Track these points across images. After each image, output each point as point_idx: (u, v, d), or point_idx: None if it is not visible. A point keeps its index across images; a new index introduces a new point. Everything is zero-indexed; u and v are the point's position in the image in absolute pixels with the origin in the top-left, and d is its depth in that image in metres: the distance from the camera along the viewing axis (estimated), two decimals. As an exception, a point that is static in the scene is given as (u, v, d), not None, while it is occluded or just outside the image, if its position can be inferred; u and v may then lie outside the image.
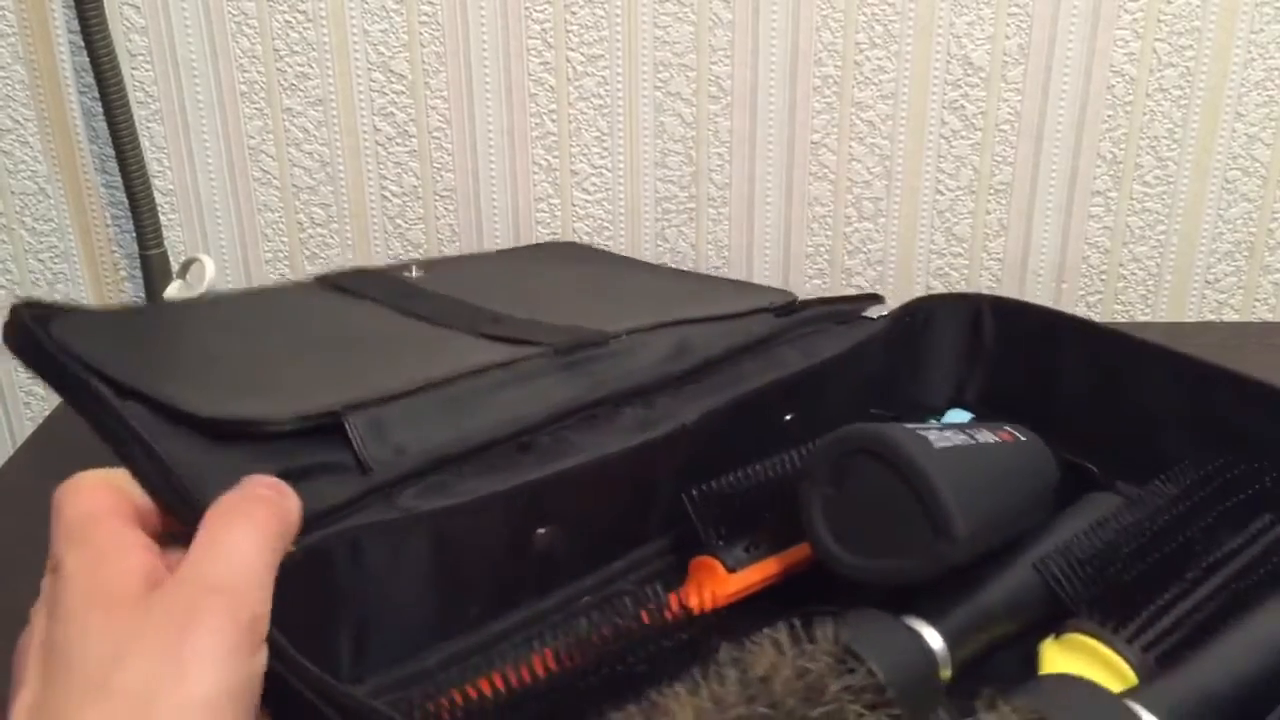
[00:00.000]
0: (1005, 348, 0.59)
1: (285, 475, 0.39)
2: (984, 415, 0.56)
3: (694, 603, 0.42)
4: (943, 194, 0.75)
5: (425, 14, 0.72)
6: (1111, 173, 0.74)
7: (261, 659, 0.34)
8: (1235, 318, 0.78)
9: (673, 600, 0.42)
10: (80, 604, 0.34)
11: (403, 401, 0.45)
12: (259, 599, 0.34)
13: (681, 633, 0.41)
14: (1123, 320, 0.78)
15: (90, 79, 0.72)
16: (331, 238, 0.78)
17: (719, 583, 0.46)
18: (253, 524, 0.36)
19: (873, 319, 0.59)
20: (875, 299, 0.60)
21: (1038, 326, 0.57)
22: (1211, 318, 0.78)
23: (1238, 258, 0.76)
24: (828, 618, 0.39)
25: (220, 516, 0.36)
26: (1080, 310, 0.78)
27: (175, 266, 0.76)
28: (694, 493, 0.47)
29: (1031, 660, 0.43)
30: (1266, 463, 0.50)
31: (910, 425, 0.46)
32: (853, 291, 0.76)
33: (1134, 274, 0.77)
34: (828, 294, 0.70)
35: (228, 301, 0.58)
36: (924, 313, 0.59)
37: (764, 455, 0.49)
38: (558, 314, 0.56)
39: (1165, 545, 0.46)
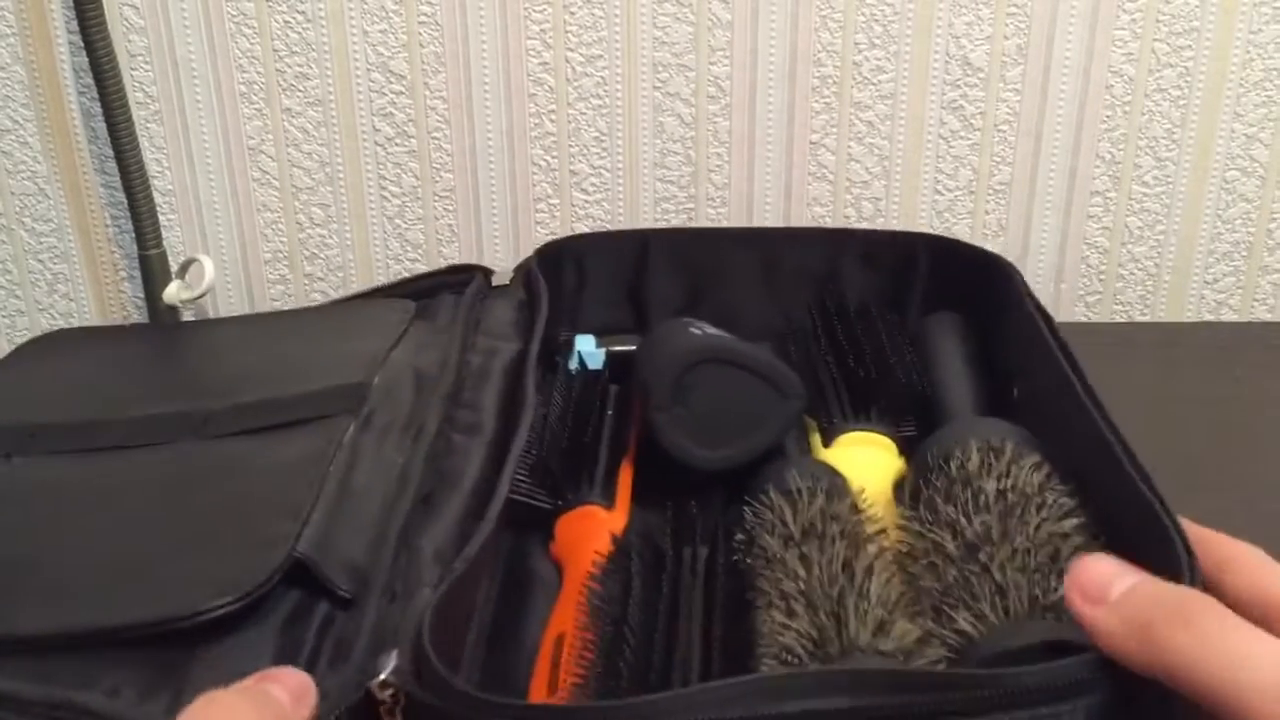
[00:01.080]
0: (610, 272, 0.68)
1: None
2: (613, 333, 0.65)
3: (591, 552, 0.47)
4: (941, 194, 0.75)
5: (424, 14, 0.72)
6: (1110, 173, 0.74)
7: None
8: (1234, 318, 0.78)
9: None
10: None
11: (313, 520, 0.42)
12: None
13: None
14: (1121, 320, 0.78)
15: (90, 79, 0.72)
16: (331, 238, 0.78)
17: (605, 521, 0.51)
18: None
19: (504, 285, 0.65)
20: (481, 270, 0.66)
21: (632, 247, 0.67)
22: (1210, 318, 0.78)
23: (1236, 258, 0.76)
24: (785, 477, 0.48)
25: (201, 711, 0.32)
26: (1079, 310, 0.78)
27: (174, 267, 0.76)
28: (543, 471, 0.53)
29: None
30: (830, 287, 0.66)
31: (693, 330, 0.55)
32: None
33: (1133, 274, 0.77)
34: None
35: None
36: (540, 263, 0.66)
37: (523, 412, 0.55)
38: (254, 390, 0.54)
39: (842, 357, 0.59)
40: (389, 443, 0.50)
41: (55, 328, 0.81)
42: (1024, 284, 0.58)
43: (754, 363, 0.52)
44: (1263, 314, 0.78)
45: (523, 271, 0.65)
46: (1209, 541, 0.38)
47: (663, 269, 0.67)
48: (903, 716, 0.32)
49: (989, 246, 0.76)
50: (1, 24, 0.73)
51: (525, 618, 0.48)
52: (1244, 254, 0.76)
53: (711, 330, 0.56)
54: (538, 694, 0.42)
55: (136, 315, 0.80)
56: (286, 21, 0.73)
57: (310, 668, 0.38)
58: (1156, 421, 0.64)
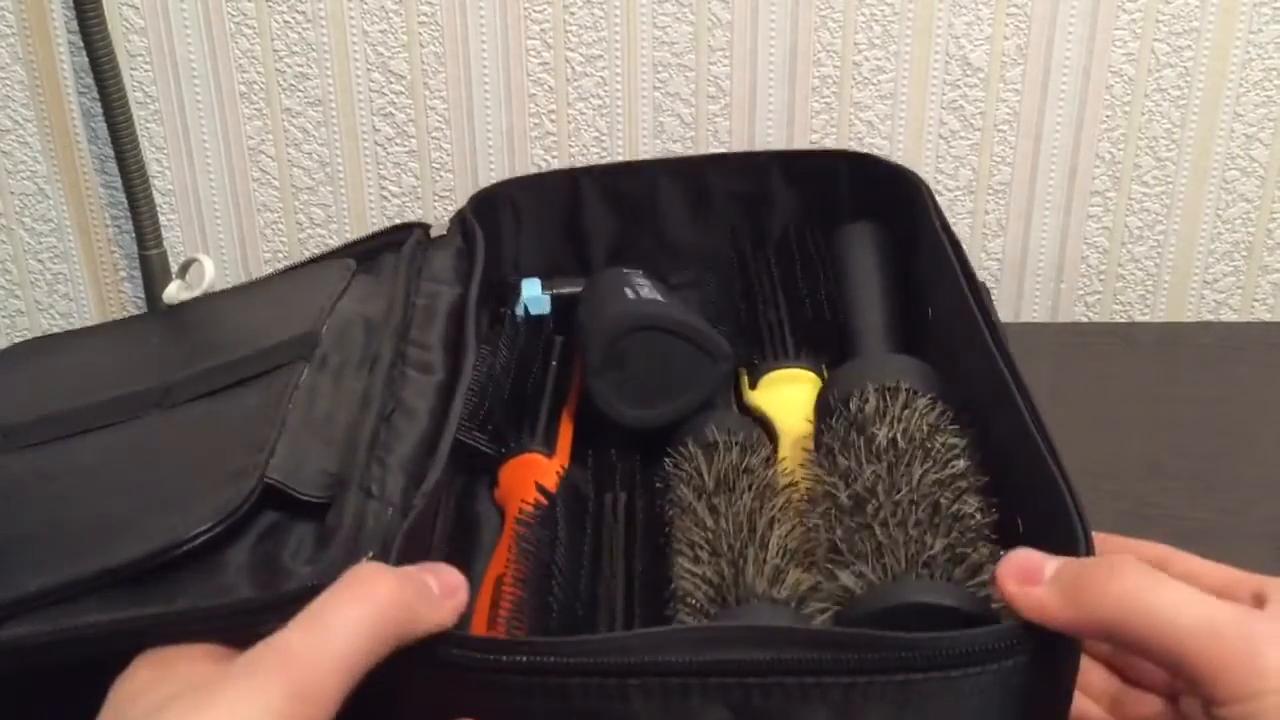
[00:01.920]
0: (545, 214, 0.69)
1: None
2: (557, 273, 0.67)
3: (521, 498, 0.50)
4: (941, 194, 0.75)
5: (424, 14, 0.72)
6: (1110, 173, 0.74)
7: None
8: (1234, 318, 0.78)
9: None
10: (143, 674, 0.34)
11: (279, 449, 0.44)
12: (325, 675, 0.32)
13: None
14: (1121, 320, 0.78)
15: (90, 79, 0.72)
16: (331, 238, 0.78)
17: (546, 469, 0.53)
18: (362, 604, 0.34)
19: (441, 236, 0.65)
20: (419, 225, 0.66)
21: (564, 186, 0.68)
22: (1210, 318, 0.78)
23: (1236, 258, 0.76)
24: (704, 430, 0.50)
25: (333, 589, 0.34)
26: (1079, 309, 0.78)
27: (174, 266, 0.76)
28: (487, 419, 0.55)
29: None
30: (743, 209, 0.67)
31: (628, 292, 0.57)
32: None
33: (1133, 274, 0.77)
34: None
35: None
36: (476, 210, 0.66)
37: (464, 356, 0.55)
38: (210, 357, 0.55)
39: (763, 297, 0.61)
40: (346, 376, 0.51)
41: (55, 328, 0.81)
42: (933, 200, 0.60)
43: (684, 328, 0.55)
44: (1263, 314, 0.78)
45: (458, 220, 0.66)
46: (1131, 549, 0.41)
47: (595, 205, 0.68)
48: (819, 670, 0.34)
49: (989, 246, 0.76)
50: (1, 24, 0.73)
51: (474, 559, 0.50)
52: (1244, 254, 0.76)
53: (645, 289, 0.58)
54: (478, 632, 0.45)
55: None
56: (286, 21, 0.73)
57: (289, 562, 0.41)
58: (1157, 421, 0.65)
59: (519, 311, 0.63)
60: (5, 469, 0.51)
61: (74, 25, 0.71)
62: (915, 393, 0.49)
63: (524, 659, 0.35)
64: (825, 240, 0.64)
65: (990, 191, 0.75)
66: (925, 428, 0.47)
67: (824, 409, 0.51)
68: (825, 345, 0.58)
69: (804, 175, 0.67)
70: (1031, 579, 0.36)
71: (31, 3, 0.72)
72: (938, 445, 0.45)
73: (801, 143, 0.74)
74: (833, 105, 0.73)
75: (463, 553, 0.50)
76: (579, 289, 0.63)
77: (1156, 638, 0.33)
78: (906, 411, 0.47)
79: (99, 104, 0.72)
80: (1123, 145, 0.74)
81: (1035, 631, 0.35)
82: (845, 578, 0.41)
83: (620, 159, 0.75)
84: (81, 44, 0.70)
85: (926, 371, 0.51)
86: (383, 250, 0.64)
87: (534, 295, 0.64)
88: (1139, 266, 0.77)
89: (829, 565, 0.43)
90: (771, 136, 0.74)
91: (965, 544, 0.41)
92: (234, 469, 0.43)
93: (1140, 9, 0.70)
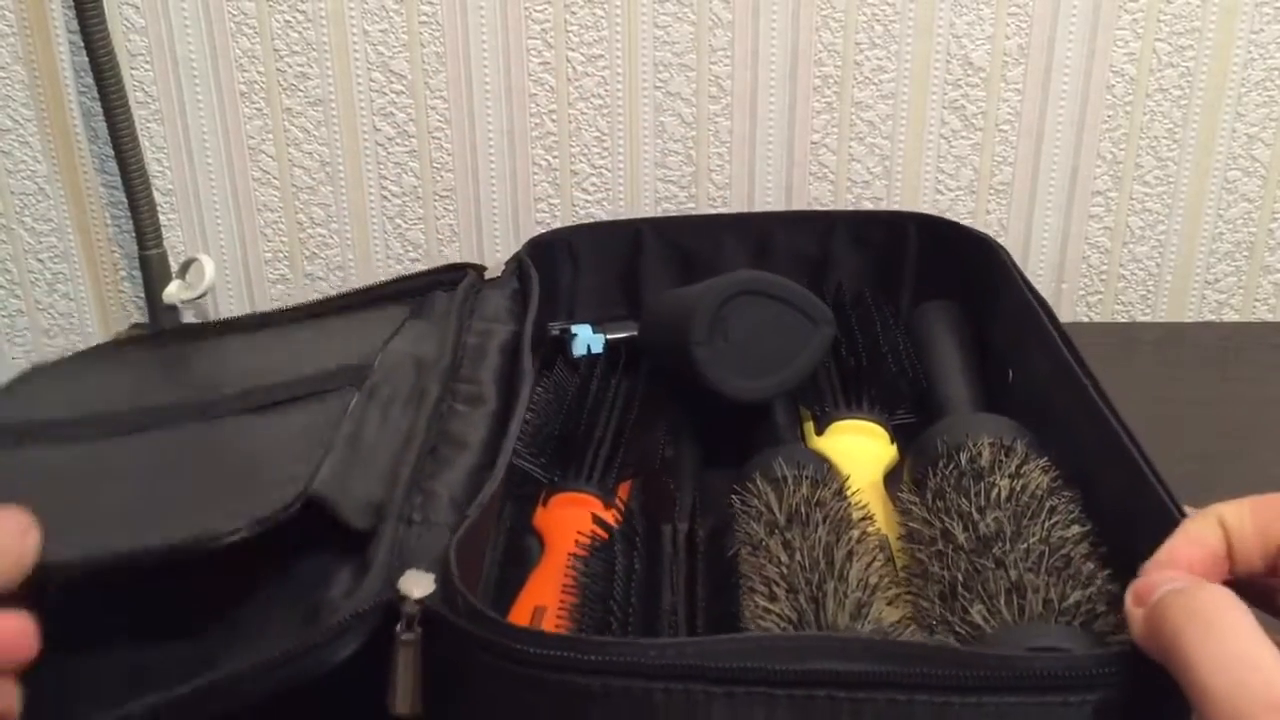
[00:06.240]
0: (604, 263, 0.69)
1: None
2: (610, 319, 0.67)
3: (577, 530, 0.48)
4: (943, 194, 0.75)
5: (425, 14, 0.72)
6: (1111, 173, 0.74)
7: None
8: (1235, 318, 0.78)
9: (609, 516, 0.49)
10: None
11: (326, 463, 0.44)
12: None
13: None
14: (1123, 320, 0.78)
15: (90, 79, 0.72)
16: (331, 238, 0.78)
17: (600, 510, 0.51)
18: None
19: (496, 278, 0.66)
20: (474, 267, 0.66)
21: (625, 237, 0.69)
22: (1211, 318, 0.77)
23: (1238, 258, 0.76)
24: (771, 465, 0.49)
25: None
26: (1080, 310, 0.78)
27: (175, 266, 0.76)
28: (550, 446, 0.54)
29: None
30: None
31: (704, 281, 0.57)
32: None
33: (1134, 274, 0.77)
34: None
35: None
36: (532, 254, 0.66)
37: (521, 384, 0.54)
38: (256, 379, 0.55)
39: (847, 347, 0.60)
40: (394, 411, 0.51)
41: (55, 328, 0.81)
42: (1016, 266, 0.59)
43: (785, 291, 0.54)
44: (1264, 314, 0.78)
45: (514, 262, 0.66)
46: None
47: (656, 258, 0.68)
48: (912, 685, 0.33)
49: (990, 246, 0.76)
50: (1, 24, 0.73)
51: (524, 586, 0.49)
52: (1245, 254, 0.76)
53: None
54: None
55: (137, 315, 0.80)
56: (287, 21, 0.73)
57: (328, 587, 0.40)
58: (1158, 421, 0.64)
59: (579, 351, 0.64)
60: (36, 456, 0.50)
61: (74, 25, 0.71)
62: (1030, 454, 0.47)
63: (609, 658, 0.34)
64: (895, 308, 0.64)
65: (991, 191, 0.75)
66: (1045, 486, 0.45)
67: (930, 454, 0.49)
68: (898, 403, 0.57)
69: (873, 236, 0.66)
70: (1141, 599, 0.34)
71: (31, 3, 0.72)
72: (1059, 505, 0.44)
73: (802, 143, 0.74)
74: (834, 105, 0.73)
75: (514, 581, 0.49)
76: (633, 333, 0.63)
77: (1191, 693, 0.30)
78: (1025, 468, 0.46)
79: (99, 104, 0.72)
80: (1124, 145, 0.73)
81: (1142, 661, 0.33)
82: (975, 613, 0.39)
83: (621, 158, 0.75)
84: (81, 44, 0.70)
85: (1030, 435, 0.49)
86: (434, 288, 0.64)
87: (589, 336, 0.64)
88: (1140, 266, 0.77)
89: (957, 597, 0.41)
90: (773, 136, 0.74)
91: (1100, 601, 0.39)
92: (279, 478, 0.42)
93: (1141, 9, 0.70)
